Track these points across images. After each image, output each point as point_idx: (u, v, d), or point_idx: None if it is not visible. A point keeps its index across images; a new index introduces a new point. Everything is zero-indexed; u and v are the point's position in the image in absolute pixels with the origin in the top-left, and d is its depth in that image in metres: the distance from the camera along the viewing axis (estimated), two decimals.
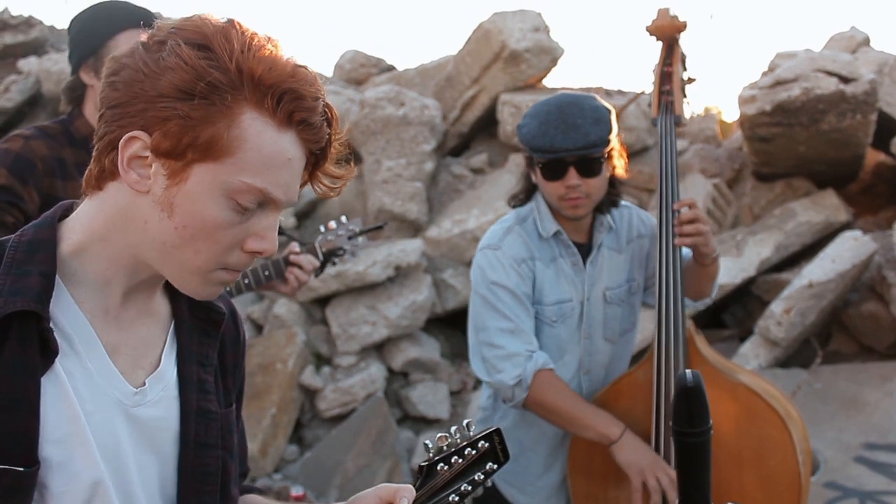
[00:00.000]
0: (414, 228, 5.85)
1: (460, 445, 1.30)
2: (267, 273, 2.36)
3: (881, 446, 3.84)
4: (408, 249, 5.36)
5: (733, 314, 5.34)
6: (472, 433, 1.32)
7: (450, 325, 5.75)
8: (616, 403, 2.27)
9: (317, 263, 2.44)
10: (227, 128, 0.99)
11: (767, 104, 5.02)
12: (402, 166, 5.85)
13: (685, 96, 2.49)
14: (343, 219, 2.53)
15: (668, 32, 2.52)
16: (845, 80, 4.96)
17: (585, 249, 2.33)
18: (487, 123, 6.38)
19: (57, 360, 1.02)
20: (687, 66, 2.54)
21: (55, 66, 6.90)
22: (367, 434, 4.86)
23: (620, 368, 2.43)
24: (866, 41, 6.43)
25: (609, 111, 2.20)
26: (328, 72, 7.47)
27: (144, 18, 2.12)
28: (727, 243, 5.18)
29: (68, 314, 1.05)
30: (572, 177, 2.16)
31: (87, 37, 2.20)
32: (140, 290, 1.12)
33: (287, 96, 1.01)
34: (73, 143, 2.21)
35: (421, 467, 1.26)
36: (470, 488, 1.29)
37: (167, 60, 0.98)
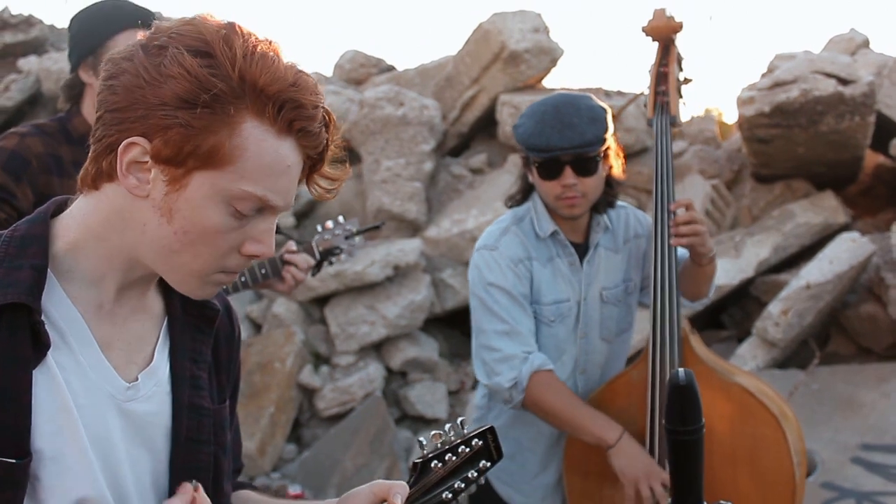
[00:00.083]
0: (413, 228, 5.86)
1: (454, 443, 1.30)
2: (264, 271, 2.37)
3: (878, 447, 3.85)
4: (406, 249, 5.37)
5: (731, 315, 5.34)
6: (466, 431, 1.33)
7: (448, 324, 5.75)
8: (611, 403, 2.28)
9: (312, 262, 2.45)
10: (229, 137, 1.00)
11: (766, 105, 5.02)
12: (402, 166, 5.86)
13: (681, 97, 2.50)
14: (340, 218, 2.55)
15: (664, 33, 2.52)
16: (844, 81, 4.97)
17: (582, 249, 2.34)
18: (487, 124, 6.38)
19: (49, 353, 1.03)
20: (683, 66, 2.54)
21: (55, 65, 6.91)
22: (366, 433, 4.87)
23: (617, 368, 2.43)
24: (866, 43, 6.43)
25: (605, 111, 2.20)
26: (328, 72, 7.48)
27: (144, 18, 2.13)
28: (725, 244, 5.18)
29: (61, 308, 1.05)
30: (568, 176, 2.17)
31: (87, 36, 2.20)
32: (134, 287, 1.13)
33: (288, 105, 1.01)
34: (70, 141, 2.22)
35: (415, 464, 1.27)
36: (463, 485, 1.30)
37: (169, 68, 0.98)
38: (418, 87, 6.67)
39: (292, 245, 2.43)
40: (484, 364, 2.26)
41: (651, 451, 2.18)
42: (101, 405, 1.07)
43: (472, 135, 6.53)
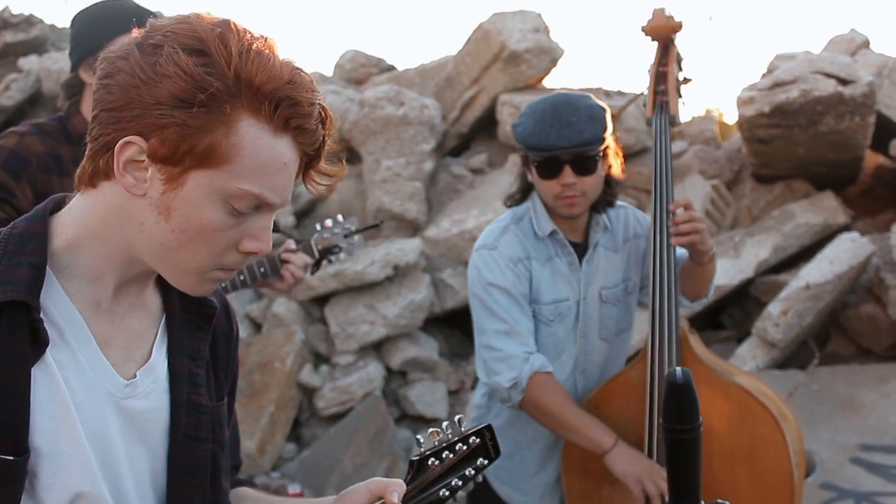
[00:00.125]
0: (413, 228, 5.86)
1: (451, 441, 1.30)
2: (262, 270, 2.37)
3: (877, 447, 3.85)
4: (406, 249, 5.37)
5: (731, 315, 5.34)
6: (463, 429, 1.33)
7: (448, 324, 5.75)
8: (609, 403, 2.28)
9: (310, 260, 2.45)
10: (225, 136, 1.00)
11: (766, 106, 5.02)
12: (402, 166, 5.86)
13: (680, 96, 2.50)
14: (339, 217, 2.54)
15: (663, 33, 2.52)
16: (844, 82, 4.96)
17: (581, 249, 2.34)
18: (487, 124, 6.39)
19: (48, 350, 1.03)
20: (682, 66, 2.54)
21: (55, 64, 6.91)
22: (365, 433, 4.87)
23: (616, 368, 2.43)
24: (866, 43, 6.43)
25: (604, 110, 2.20)
26: (328, 72, 7.48)
27: (145, 19, 2.13)
28: (725, 244, 5.18)
29: (59, 306, 1.06)
30: (567, 175, 2.17)
31: (88, 35, 2.20)
32: (132, 284, 1.13)
33: (284, 103, 1.01)
34: (69, 140, 2.22)
35: (412, 462, 1.27)
36: (460, 483, 1.30)
37: (164, 68, 0.98)
38: (418, 87, 6.68)
39: (291, 244, 2.43)
40: (484, 363, 2.27)
41: (650, 451, 2.18)
42: (100, 402, 1.07)
43: (472, 135, 6.53)
